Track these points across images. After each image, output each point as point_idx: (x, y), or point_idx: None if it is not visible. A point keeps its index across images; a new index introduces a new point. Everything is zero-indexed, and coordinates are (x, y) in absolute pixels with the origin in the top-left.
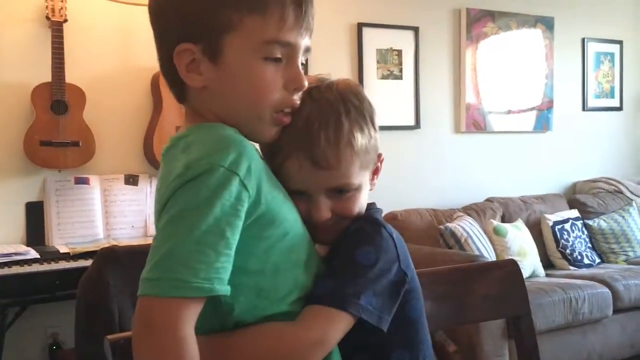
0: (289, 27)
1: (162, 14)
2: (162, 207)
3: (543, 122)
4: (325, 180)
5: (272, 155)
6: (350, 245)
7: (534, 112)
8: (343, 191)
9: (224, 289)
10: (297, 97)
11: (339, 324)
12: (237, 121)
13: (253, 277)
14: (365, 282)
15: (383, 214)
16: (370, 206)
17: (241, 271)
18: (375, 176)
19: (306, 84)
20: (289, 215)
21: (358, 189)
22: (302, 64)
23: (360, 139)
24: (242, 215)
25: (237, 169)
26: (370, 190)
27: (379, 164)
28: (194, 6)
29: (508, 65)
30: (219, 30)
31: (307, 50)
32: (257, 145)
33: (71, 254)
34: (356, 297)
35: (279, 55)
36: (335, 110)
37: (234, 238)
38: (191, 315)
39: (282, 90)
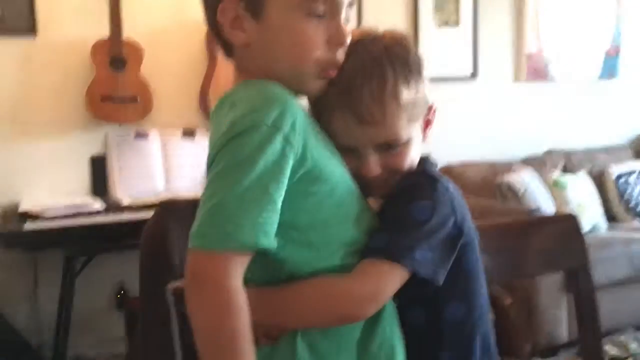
0: None
1: None
2: (210, 164)
3: (610, 69)
4: (372, 136)
5: (320, 112)
6: (405, 200)
7: (601, 59)
8: (392, 146)
9: (269, 242)
10: (340, 53)
11: (393, 277)
12: (281, 77)
13: (303, 232)
14: (420, 236)
15: (438, 167)
16: (425, 159)
17: (291, 226)
18: (428, 128)
19: (348, 39)
20: (336, 171)
21: (407, 143)
22: (346, 19)
23: (405, 92)
24: (287, 171)
25: (280, 125)
26: (423, 142)
27: (430, 116)
28: None
29: (573, 9)
30: None
31: (351, 4)
32: (305, 103)
33: (133, 206)
34: (411, 251)
35: (321, 11)
36: (379, 64)
37: (278, 193)
38: (238, 268)
39: (324, 47)
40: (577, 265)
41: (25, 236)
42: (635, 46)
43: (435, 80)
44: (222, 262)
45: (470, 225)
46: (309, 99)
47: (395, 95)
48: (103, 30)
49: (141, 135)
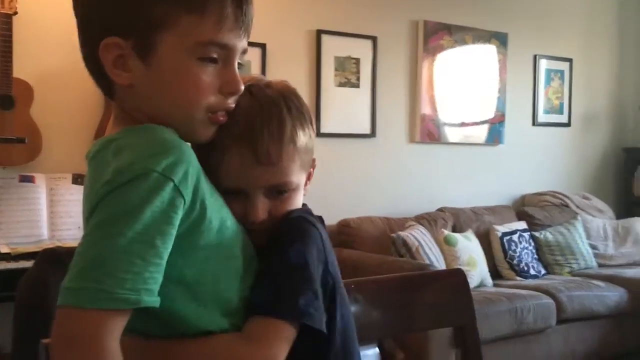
0: (228, 28)
1: (88, 3)
2: (90, 213)
3: (495, 135)
4: (266, 177)
5: (209, 153)
6: (280, 245)
7: (487, 125)
8: (282, 191)
9: (153, 300)
10: (232, 101)
11: (285, 334)
12: (168, 122)
13: (190, 288)
14: (302, 282)
15: (337, 220)
16: (303, 205)
17: (178, 281)
18: (309, 181)
19: (242, 87)
20: (228, 221)
21: (296, 189)
22: (239, 64)
23: (302, 137)
24: (175, 222)
25: (172, 173)
26: (304, 195)
27: (311, 169)
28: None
29: (463, 78)
30: (153, 26)
31: (244, 52)
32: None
33: (12, 254)
34: (295, 302)
35: (215, 56)
36: (277, 107)
37: (165, 247)
38: (116, 328)
39: (216, 94)
40: (464, 320)
41: None
42: (518, 115)
43: (336, 136)
44: (98, 322)
45: (339, 276)
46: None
47: (293, 138)
48: None
49: (27, 179)
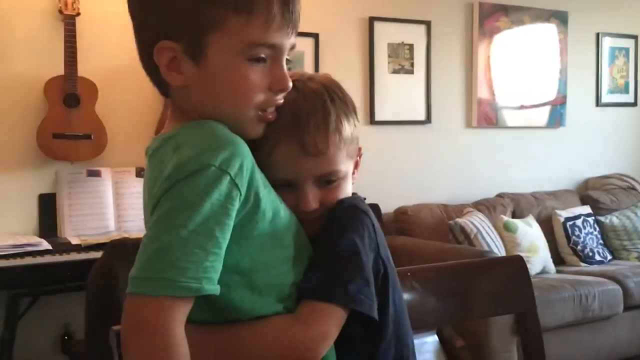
0: (275, 27)
1: (142, 7)
2: (153, 207)
3: (556, 117)
4: (314, 167)
5: (260, 147)
6: (331, 233)
7: (547, 108)
8: (331, 180)
9: (213, 288)
10: (280, 97)
11: (335, 316)
12: (221, 120)
13: (246, 275)
14: (353, 270)
15: (394, 208)
16: (353, 193)
17: (234, 270)
18: (356, 170)
19: (291, 84)
20: (281, 212)
21: (344, 177)
22: (288, 60)
23: (347, 126)
24: (232, 214)
25: (228, 167)
26: (352, 183)
27: (358, 158)
28: (177, 3)
29: (521, 60)
30: (202, 29)
31: (292, 48)
32: None
33: (82, 246)
34: (344, 288)
35: (263, 56)
36: (321, 99)
37: (224, 237)
38: (180, 314)
39: (266, 91)
40: (525, 307)
41: None
42: (580, 96)
43: (391, 124)
44: (163, 309)
45: (392, 262)
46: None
47: (338, 128)
48: (58, 67)
49: (93, 173)
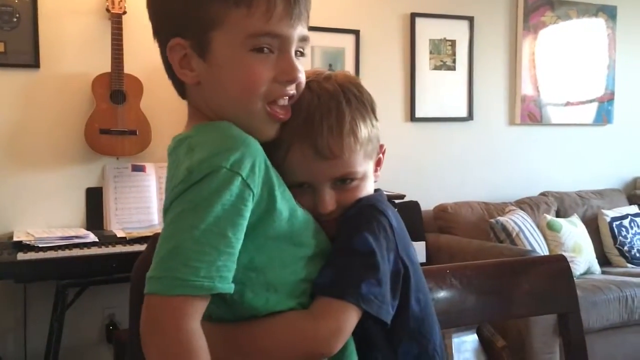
0: (277, 18)
1: (153, 8)
2: (166, 208)
3: (603, 114)
4: (329, 170)
5: (275, 149)
6: (348, 232)
7: (594, 104)
8: (347, 180)
9: (226, 286)
10: (290, 89)
11: (349, 313)
12: (233, 117)
13: (261, 273)
14: (366, 269)
15: (434, 206)
16: (376, 190)
17: (249, 267)
18: (379, 167)
19: (300, 75)
20: (297, 211)
21: (363, 178)
22: (300, 53)
23: (362, 128)
24: (246, 214)
25: (239, 168)
26: (375, 181)
27: (381, 155)
28: (180, 1)
29: (567, 56)
30: (205, 25)
31: (303, 39)
32: None
33: (127, 239)
34: (357, 286)
35: (267, 47)
36: (336, 100)
37: (236, 237)
38: (195, 312)
39: (272, 82)
40: (567, 308)
41: (18, 266)
42: (629, 92)
43: (431, 120)
44: (178, 307)
45: (415, 260)
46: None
47: (353, 130)
48: (104, 65)
49: (138, 168)
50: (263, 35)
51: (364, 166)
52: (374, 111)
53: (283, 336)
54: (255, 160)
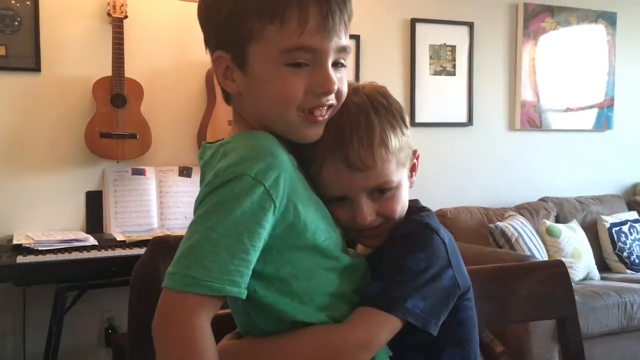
0: (310, 32)
1: (201, 22)
2: (195, 209)
3: (603, 120)
4: (363, 182)
5: (310, 165)
6: (401, 251)
7: (594, 110)
8: (383, 190)
9: (236, 290)
10: (327, 99)
11: (386, 326)
12: (271, 125)
13: (287, 283)
14: (414, 287)
15: (433, 211)
16: (418, 206)
17: (275, 278)
18: (413, 173)
19: (336, 87)
20: (321, 225)
21: (398, 187)
22: (341, 64)
23: (392, 137)
24: (264, 223)
25: (263, 178)
26: (410, 187)
27: (415, 160)
28: (222, 16)
29: (567, 62)
30: (244, 40)
31: (341, 50)
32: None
33: (127, 242)
34: (403, 301)
35: (301, 61)
36: (364, 112)
37: (252, 244)
38: (204, 311)
39: (307, 94)
40: (565, 313)
41: (18, 269)
42: (628, 98)
43: (431, 125)
44: (185, 303)
45: (466, 276)
46: (300, 151)
47: (383, 141)
48: (105, 69)
49: (138, 172)
50: (296, 49)
51: (398, 175)
52: (403, 119)
53: (310, 345)
54: (280, 173)
